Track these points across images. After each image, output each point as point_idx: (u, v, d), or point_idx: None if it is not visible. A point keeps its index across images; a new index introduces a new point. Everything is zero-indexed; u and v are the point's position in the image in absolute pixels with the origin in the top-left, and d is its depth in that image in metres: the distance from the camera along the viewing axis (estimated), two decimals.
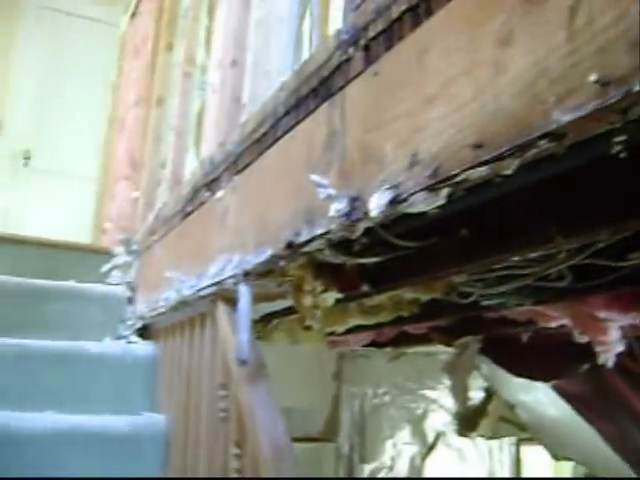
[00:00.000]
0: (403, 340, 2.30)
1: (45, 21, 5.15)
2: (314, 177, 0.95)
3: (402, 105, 0.84)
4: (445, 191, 0.77)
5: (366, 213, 0.85)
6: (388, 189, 0.82)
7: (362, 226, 0.90)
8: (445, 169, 0.74)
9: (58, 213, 4.65)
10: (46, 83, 5.05)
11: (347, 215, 0.89)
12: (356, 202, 0.88)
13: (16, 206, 4.78)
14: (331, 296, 1.29)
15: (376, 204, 0.82)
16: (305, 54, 1.68)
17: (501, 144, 0.68)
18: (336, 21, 1.78)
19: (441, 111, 0.77)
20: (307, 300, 1.30)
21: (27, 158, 4.86)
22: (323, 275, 1.25)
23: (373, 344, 2.36)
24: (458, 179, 0.73)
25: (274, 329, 2.01)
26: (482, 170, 0.71)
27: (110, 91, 3.94)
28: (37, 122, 4.96)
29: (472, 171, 0.71)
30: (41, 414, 1.76)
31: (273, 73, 1.48)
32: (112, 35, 4.35)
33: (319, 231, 0.96)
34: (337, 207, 0.90)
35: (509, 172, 0.70)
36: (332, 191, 0.91)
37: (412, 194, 0.79)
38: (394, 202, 0.80)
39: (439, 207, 0.81)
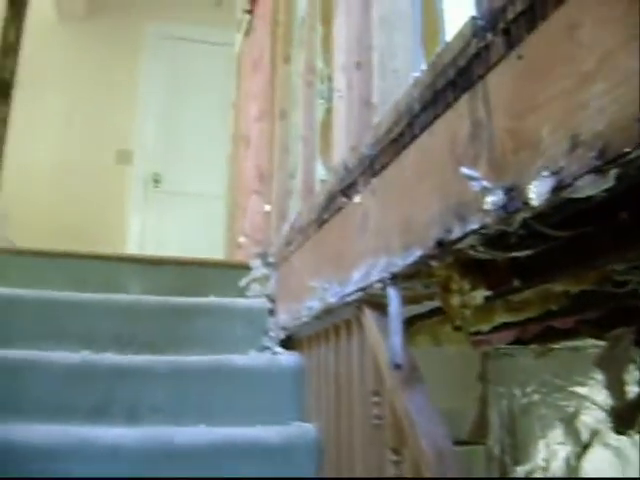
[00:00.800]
0: (549, 335, 2.22)
1: (164, 49, 5.37)
2: (465, 170, 0.91)
3: (555, 86, 0.79)
4: (614, 172, 0.72)
5: (526, 203, 0.80)
6: (549, 176, 0.77)
7: (520, 217, 0.85)
8: (613, 148, 0.69)
9: (190, 231, 4.80)
10: (169, 109, 5.25)
11: (504, 207, 0.84)
12: (512, 192, 0.84)
13: (150, 228, 4.98)
14: (480, 294, 1.24)
15: (537, 192, 0.78)
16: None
17: None
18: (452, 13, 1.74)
19: (602, 87, 0.71)
20: (455, 300, 1.26)
21: (157, 181, 5.05)
22: (471, 273, 1.21)
23: (517, 341, 2.28)
24: (629, 157, 0.68)
25: (417, 332, 1.97)
26: None
27: (231, 109, 4.03)
28: (164, 146, 5.16)
29: None
30: (195, 428, 1.81)
31: (401, 70, 1.45)
32: (227, 55, 4.45)
33: (473, 226, 0.92)
34: (492, 199, 0.86)
35: None
36: (486, 183, 0.87)
37: (577, 178, 0.74)
38: (557, 189, 0.76)
39: (605, 190, 0.76)
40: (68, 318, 2.15)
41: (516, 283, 1.24)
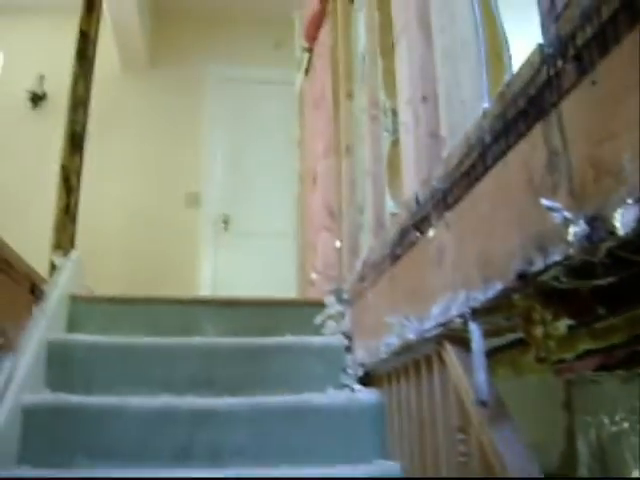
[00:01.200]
0: (636, 360, 2.14)
1: (226, 91, 5.48)
2: (545, 201, 0.89)
3: (634, 110, 0.77)
4: None
5: (612, 232, 0.78)
6: (633, 203, 0.75)
7: (605, 247, 0.83)
8: None
9: (261, 270, 4.84)
10: (235, 149, 5.35)
11: (588, 237, 0.82)
12: (596, 222, 0.82)
13: (222, 269, 5.04)
14: (563, 324, 1.21)
15: (622, 221, 0.76)
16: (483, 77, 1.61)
17: None
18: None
19: None
20: (538, 331, 1.23)
21: (226, 222, 5.13)
22: (553, 302, 1.18)
23: (602, 367, 2.21)
24: None
25: (497, 364, 1.93)
26: None
27: (296, 146, 4.07)
28: (231, 187, 5.24)
29: None
30: (278, 469, 1.80)
31: (468, 101, 1.44)
32: (289, 93, 4.50)
33: (556, 258, 0.90)
34: (575, 230, 0.83)
35: None
36: (567, 214, 0.85)
37: None
38: None
39: None
40: (147, 363, 2.18)
41: (600, 311, 1.21)
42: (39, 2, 5.30)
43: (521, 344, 1.69)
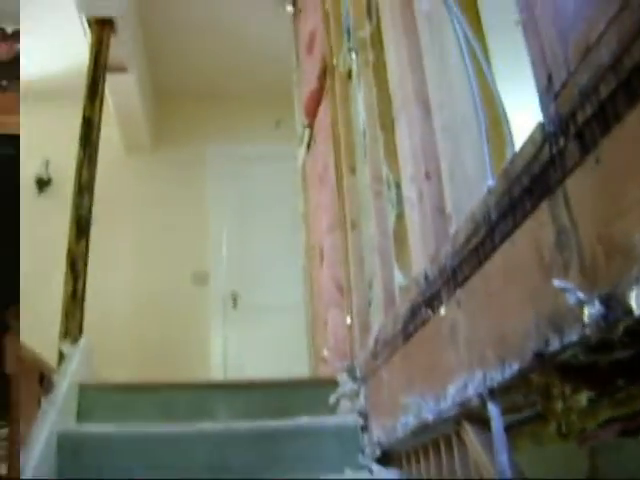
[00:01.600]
0: None
1: (229, 170, 5.55)
2: (557, 282, 0.88)
3: None
4: None
5: (629, 312, 0.77)
6: None
7: (622, 325, 0.81)
8: None
9: (272, 346, 4.80)
10: (240, 227, 5.38)
11: (604, 317, 0.81)
12: (611, 302, 0.80)
13: (232, 346, 5.00)
14: (583, 397, 1.19)
15: (639, 302, 0.75)
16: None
17: None
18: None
19: None
20: (558, 406, 1.21)
21: (235, 299, 5.11)
22: (571, 377, 1.16)
23: (624, 433, 2.16)
24: None
25: (517, 436, 1.89)
26: None
27: (301, 221, 4.08)
28: (238, 264, 5.25)
29: None
30: None
31: (472, 178, 1.44)
32: (292, 168, 4.54)
33: (573, 338, 0.88)
34: (590, 311, 0.82)
35: None
36: (581, 294, 0.84)
37: None
38: None
39: None
40: (161, 451, 2.15)
41: (620, 382, 1.19)
42: (44, 88, 5.41)
43: (541, 417, 1.66)
